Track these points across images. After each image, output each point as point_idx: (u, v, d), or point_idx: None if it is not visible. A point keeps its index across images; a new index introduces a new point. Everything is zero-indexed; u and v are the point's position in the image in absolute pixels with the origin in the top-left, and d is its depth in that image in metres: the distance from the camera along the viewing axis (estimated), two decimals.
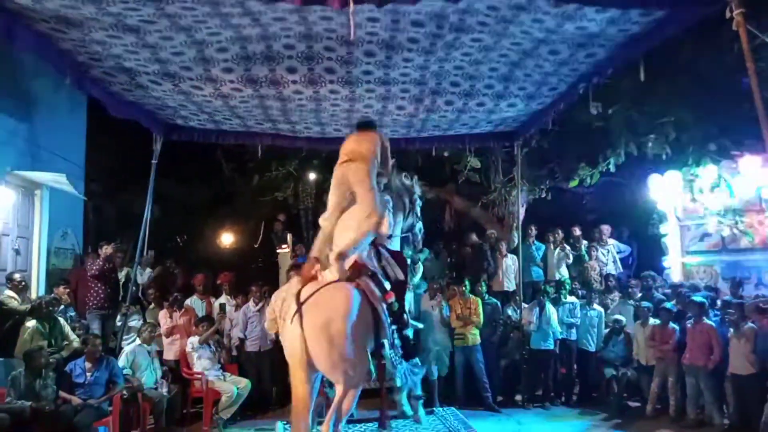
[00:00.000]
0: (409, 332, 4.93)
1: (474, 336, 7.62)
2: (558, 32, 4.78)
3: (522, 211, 9.05)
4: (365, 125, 5.21)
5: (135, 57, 5.15)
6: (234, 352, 7.77)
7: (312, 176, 12.09)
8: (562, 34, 4.83)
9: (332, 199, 4.74)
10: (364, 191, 4.53)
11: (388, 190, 5.10)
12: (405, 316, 4.76)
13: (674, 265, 8.76)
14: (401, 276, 4.70)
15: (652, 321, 7.21)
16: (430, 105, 6.56)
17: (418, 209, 5.59)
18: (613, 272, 9.13)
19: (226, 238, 13.27)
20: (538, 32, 4.81)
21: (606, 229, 9.51)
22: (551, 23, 4.61)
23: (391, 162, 5.15)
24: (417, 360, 5.18)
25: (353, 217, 4.52)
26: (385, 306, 4.42)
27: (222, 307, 7.78)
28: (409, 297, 5.95)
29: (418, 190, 5.53)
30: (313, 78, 5.64)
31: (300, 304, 4.06)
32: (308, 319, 4.03)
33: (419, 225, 5.62)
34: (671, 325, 6.97)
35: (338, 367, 4.06)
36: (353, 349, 4.06)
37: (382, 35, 4.83)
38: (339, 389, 4.14)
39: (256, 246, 12.30)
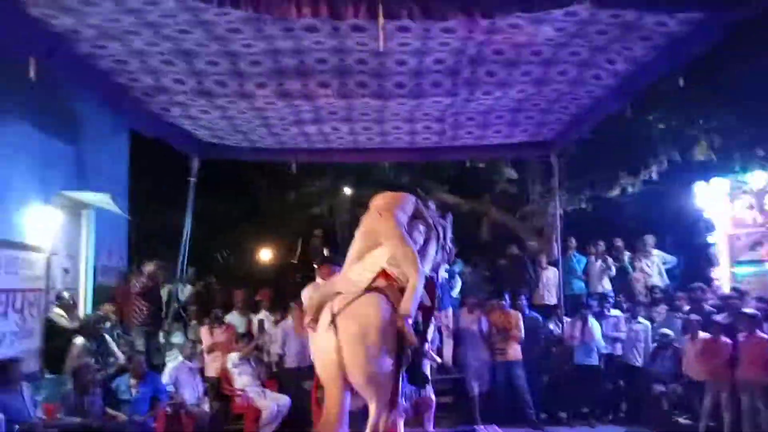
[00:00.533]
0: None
1: (515, 351, 7.47)
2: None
3: (560, 223, 8.89)
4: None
5: (172, 70, 5.27)
6: (273, 369, 7.81)
7: (347, 191, 12.16)
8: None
9: (356, 247, 4.47)
10: (398, 246, 4.24)
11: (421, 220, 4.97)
12: (426, 344, 4.55)
13: (723, 275, 8.44)
14: (428, 302, 4.57)
15: (702, 335, 6.93)
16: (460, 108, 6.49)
17: (448, 249, 5.38)
18: (659, 284, 8.83)
19: (264, 254, 13.44)
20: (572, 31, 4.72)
21: (650, 239, 9.21)
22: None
23: (432, 224, 4.89)
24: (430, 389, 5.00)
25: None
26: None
27: (261, 323, 7.83)
28: (433, 328, 5.75)
29: (449, 229, 5.32)
30: (346, 92, 5.68)
31: (334, 315, 3.98)
32: (344, 329, 3.91)
33: (443, 268, 5.44)
34: (723, 338, 6.69)
35: (373, 381, 3.92)
36: (387, 362, 3.96)
37: (413, 44, 4.82)
38: (372, 408, 4.00)
39: (293, 261, 12.40)
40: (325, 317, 4.06)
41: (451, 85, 5.64)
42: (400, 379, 4.25)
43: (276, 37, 4.73)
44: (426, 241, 4.78)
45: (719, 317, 7.06)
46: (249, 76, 5.44)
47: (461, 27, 4.61)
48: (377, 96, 5.86)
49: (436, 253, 5.02)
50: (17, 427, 5.17)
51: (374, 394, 3.97)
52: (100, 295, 8.07)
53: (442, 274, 5.48)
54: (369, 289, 4.13)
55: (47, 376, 6.68)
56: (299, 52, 4.99)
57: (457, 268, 8.34)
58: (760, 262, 8.06)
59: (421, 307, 4.39)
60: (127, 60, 5.09)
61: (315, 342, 4.18)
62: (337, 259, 7.48)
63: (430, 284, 4.63)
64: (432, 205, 5.46)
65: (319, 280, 5.74)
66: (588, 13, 4.41)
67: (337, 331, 3.90)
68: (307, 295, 5.56)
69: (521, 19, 4.45)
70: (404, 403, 4.62)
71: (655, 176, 9.06)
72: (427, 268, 4.78)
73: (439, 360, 6.01)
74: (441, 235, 5.04)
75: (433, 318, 4.90)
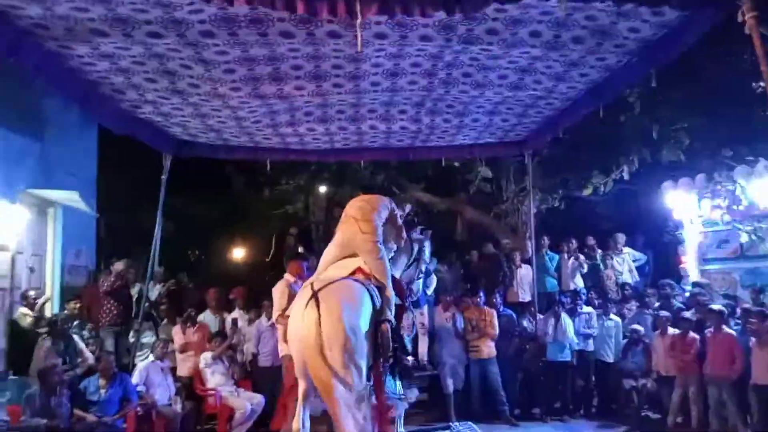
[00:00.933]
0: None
1: (489, 348, 7.52)
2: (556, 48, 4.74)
3: (534, 221, 8.98)
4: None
5: (143, 69, 5.18)
6: (248, 368, 7.72)
7: (322, 189, 12.10)
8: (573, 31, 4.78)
9: (332, 254, 4.53)
10: (372, 260, 4.33)
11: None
12: (401, 341, 4.57)
13: (692, 272, 8.61)
14: (398, 300, 4.57)
15: (671, 330, 7.07)
16: (432, 107, 6.50)
17: (423, 267, 5.39)
18: (630, 281, 8.99)
19: (238, 253, 13.30)
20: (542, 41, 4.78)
21: (620, 237, 9.37)
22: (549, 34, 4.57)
23: (403, 233, 4.93)
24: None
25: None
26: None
27: (234, 322, 7.74)
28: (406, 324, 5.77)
29: (428, 251, 5.35)
30: (321, 91, 5.65)
31: (315, 292, 3.92)
32: (325, 303, 3.85)
33: (418, 283, 5.39)
34: (691, 334, 6.83)
35: (350, 362, 3.81)
36: (364, 344, 3.89)
37: (389, 50, 4.81)
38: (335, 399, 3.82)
39: (267, 260, 12.30)
40: (303, 298, 4.01)
41: (427, 83, 5.63)
42: (385, 374, 4.25)
43: (250, 43, 4.69)
44: (398, 248, 4.81)
45: (687, 313, 7.20)
46: (223, 82, 5.40)
47: (438, 36, 4.63)
48: (353, 93, 5.83)
49: (409, 266, 5.06)
50: None
51: (349, 378, 3.83)
52: (67, 295, 7.89)
53: (417, 287, 5.40)
54: (348, 278, 4.17)
55: (12, 377, 6.51)
56: (274, 59, 4.97)
57: (432, 266, 8.35)
58: (726, 259, 8.24)
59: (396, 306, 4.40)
60: (96, 63, 4.98)
61: (292, 324, 4.09)
62: (309, 257, 7.51)
63: (398, 286, 4.64)
64: (408, 207, 5.48)
65: (288, 276, 5.69)
66: (563, 15, 4.46)
67: (318, 305, 3.84)
68: (279, 291, 5.51)
69: (498, 23, 4.48)
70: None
71: (626, 176, 9.20)
72: (397, 273, 4.81)
73: (411, 358, 6.01)
74: (415, 251, 5.07)
75: (405, 317, 4.91)
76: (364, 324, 3.94)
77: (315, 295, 3.90)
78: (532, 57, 5.06)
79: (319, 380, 3.87)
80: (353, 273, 4.27)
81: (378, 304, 4.15)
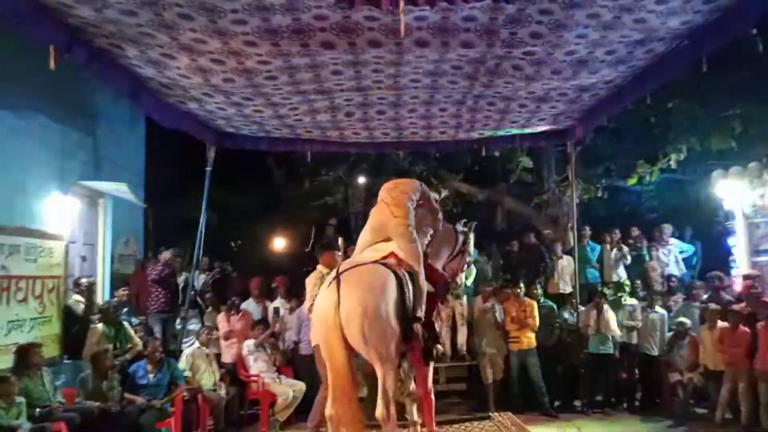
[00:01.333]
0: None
1: (529, 339, 7.44)
2: (615, 27, 4.62)
3: (576, 211, 8.82)
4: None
5: (188, 81, 5.40)
6: (289, 355, 7.86)
7: (361, 180, 12.16)
8: (620, 30, 4.66)
9: (366, 239, 4.56)
10: (404, 244, 4.32)
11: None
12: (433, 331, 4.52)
13: (742, 264, 8.30)
14: (431, 288, 4.49)
15: (720, 324, 6.85)
16: (473, 105, 6.51)
17: (469, 260, 5.44)
18: (676, 273, 8.74)
19: (279, 243, 13.50)
20: (593, 32, 4.66)
21: (667, 228, 9.11)
22: (608, 17, 4.45)
23: (440, 215, 4.95)
24: None
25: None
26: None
27: (276, 310, 7.89)
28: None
29: (472, 243, 5.37)
30: (362, 87, 5.68)
31: (339, 274, 3.95)
32: (345, 288, 3.86)
33: (461, 276, 5.48)
34: (742, 328, 6.60)
35: (367, 345, 3.83)
36: (386, 326, 3.87)
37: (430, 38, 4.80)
38: (377, 369, 3.91)
39: (307, 250, 12.44)
40: (329, 279, 4.07)
41: (473, 71, 5.54)
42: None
43: (293, 54, 4.85)
44: (435, 231, 4.80)
45: (737, 306, 6.96)
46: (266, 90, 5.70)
47: (480, 41, 4.62)
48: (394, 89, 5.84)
49: (453, 258, 5.11)
50: (38, 410, 5.27)
51: (373, 355, 3.87)
52: (116, 283, 8.18)
53: (461, 280, 5.51)
54: (377, 262, 4.14)
55: (66, 361, 6.81)
56: (315, 66, 5.14)
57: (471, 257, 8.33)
58: None
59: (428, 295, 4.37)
60: (142, 67, 5.16)
61: (315, 306, 4.16)
62: (340, 247, 7.60)
63: (435, 274, 4.64)
64: (444, 192, 5.46)
65: (321, 267, 5.76)
66: (611, 17, 4.37)
67: (339, 287, 3.86)
68: (311, 282, 5.58)
69: (543, 27, 4.41)
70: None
71: (673, 165, 8.92)
72: (438, 265, 4.81)
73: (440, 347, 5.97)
74: (459, 243, 5.12)
75: (441, 307, 4.92)
76: (386, 308, 3.88)
77: (338, 278, 3.91)
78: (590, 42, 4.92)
79: (333, 362, 3.88)
80: (386, 257, 4.24)
81: (409, 292, 4.08)
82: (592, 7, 4.28)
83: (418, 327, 4.16)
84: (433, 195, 4.89)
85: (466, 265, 5.37)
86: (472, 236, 5.33)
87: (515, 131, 7.61)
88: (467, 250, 5.26)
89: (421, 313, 4.19)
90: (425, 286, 4.31)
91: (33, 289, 6.45)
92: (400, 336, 4.00)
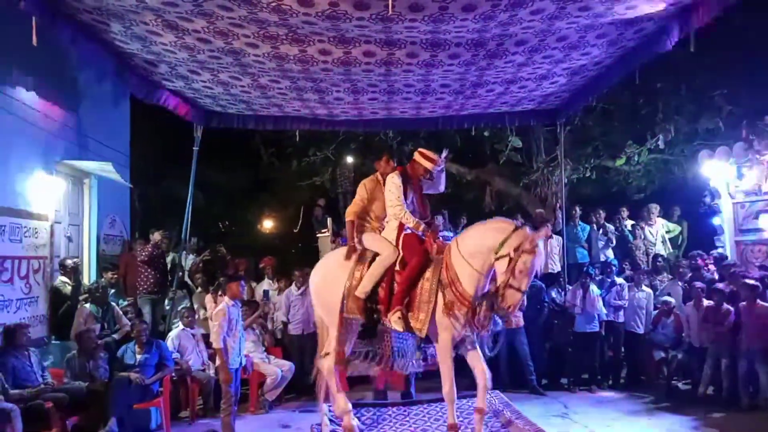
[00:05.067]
0: None
1: (517, 318, 7.47)
2: (606, 15, 4.59)
3: (564, 191, 8.85)
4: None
5: (174, 57, 5.30)
6: (278, 336, 7.88)
7: (350, 160, 12.09)
8: (610, 17, 4.64)
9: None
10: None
11: None
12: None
13: (728, 244, 8.41)
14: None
15: (705, 302, 6.95)
16: (470, 93, 6.47)
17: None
18: (663, 253, 8.83)
19: (267, 223, 13.46)
20: (585, 19, 4.63)
21: (654, 208, 9.19)
22: (599, 8, 4.43)
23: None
24: None
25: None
26: None
27: (266, 293, 7.88)
28: None
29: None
30: (348, 60, 5.60)
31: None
32: None
33: None
34: (726, 306, 6.71)
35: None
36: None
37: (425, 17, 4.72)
38: None
39: (295, 230, 12.42)
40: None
41: (470, 56, 5.48)
42: None
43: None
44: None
45: (721, 285, 7.06)
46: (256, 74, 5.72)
47: (480, 19, 4.53)
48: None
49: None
50: (26, 390, 5.25)
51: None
52: (103, 263, 8.12)
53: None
54: None
55: (53, 341, 6.78)
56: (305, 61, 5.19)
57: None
58: (763, 230, 8.01)
59: None
60: (128, 42, 5.06)
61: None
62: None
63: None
64: (446, 151, 5.41)
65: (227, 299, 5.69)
66: (603, 8, 4.40)
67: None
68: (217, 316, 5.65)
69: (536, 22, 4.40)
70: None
71: (661, 145, 8.95)
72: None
73: None
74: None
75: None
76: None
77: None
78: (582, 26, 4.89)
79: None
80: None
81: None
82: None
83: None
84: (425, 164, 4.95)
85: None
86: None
87: (505, 109, 7.59)
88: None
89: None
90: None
91: (19, 270, 6.40)
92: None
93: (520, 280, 4.22)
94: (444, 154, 5.04)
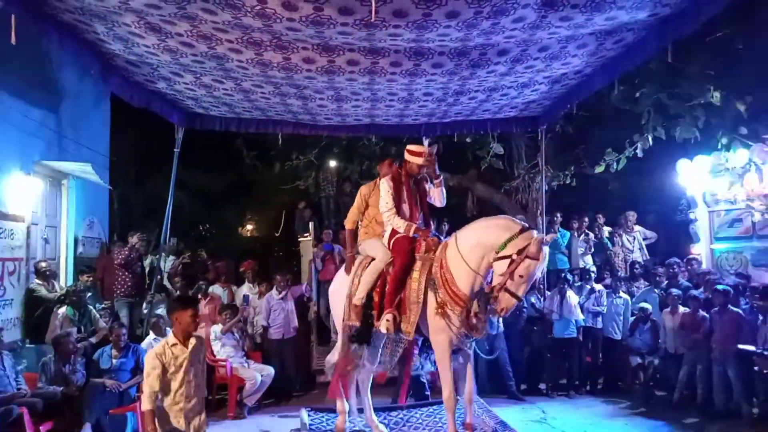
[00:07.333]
0: None
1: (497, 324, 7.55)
2: (586, 26, 4.66)
3: (545, 198, 8.93)
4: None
5: (156, 59, 5.27)
6: (257, 340, 7.84)
7: (333, 164, 12.08)
8: (591, 27, 4.71)
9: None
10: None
11: None
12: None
13: (703, 251, 8.56)
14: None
15: (681, 309, 7.07)
16: (453, 101, 6.54)
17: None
18: (640, 259, 8.96)
19: (248, 226, 13.38)
20: (566, 30, 4.69)
21: (632, 215, 9.33)
22: (580, 19, 4.49)
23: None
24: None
25: None
26: None
27: (245, 298, 7.83)
28: None
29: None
30: (332, 69, 5.60)
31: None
32: None
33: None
34: (701, 312, 6.83)
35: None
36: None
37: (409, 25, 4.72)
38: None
39: (277, 234, 12.37)
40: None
41: (453, 66, 5.50)
42: None
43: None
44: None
45: (696, 292, 7.19)
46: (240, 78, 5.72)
47: (463, 27, 4.54)
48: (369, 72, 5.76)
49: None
50: None
51: None
52: (80, 266, 8.00)
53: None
54: None
55: (28, 345, 6.65)
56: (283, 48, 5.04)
57: None
58: (738, 238, 8.17)
59: None
60: (110, 43, 5.02)
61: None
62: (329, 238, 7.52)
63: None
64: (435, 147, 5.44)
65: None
66: (583, 18, 4.45)
67: None
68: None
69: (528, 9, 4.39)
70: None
71: (639, 153, 9.07)
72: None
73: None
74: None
75: None
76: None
77: None
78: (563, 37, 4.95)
79: None
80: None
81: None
82: (564, 10, 4.33)
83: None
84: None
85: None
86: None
87: (487, 117, 7.66)
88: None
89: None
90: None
91: None
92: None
93: (518, 284, 3.97)
94: (426, 143, 4.99)
